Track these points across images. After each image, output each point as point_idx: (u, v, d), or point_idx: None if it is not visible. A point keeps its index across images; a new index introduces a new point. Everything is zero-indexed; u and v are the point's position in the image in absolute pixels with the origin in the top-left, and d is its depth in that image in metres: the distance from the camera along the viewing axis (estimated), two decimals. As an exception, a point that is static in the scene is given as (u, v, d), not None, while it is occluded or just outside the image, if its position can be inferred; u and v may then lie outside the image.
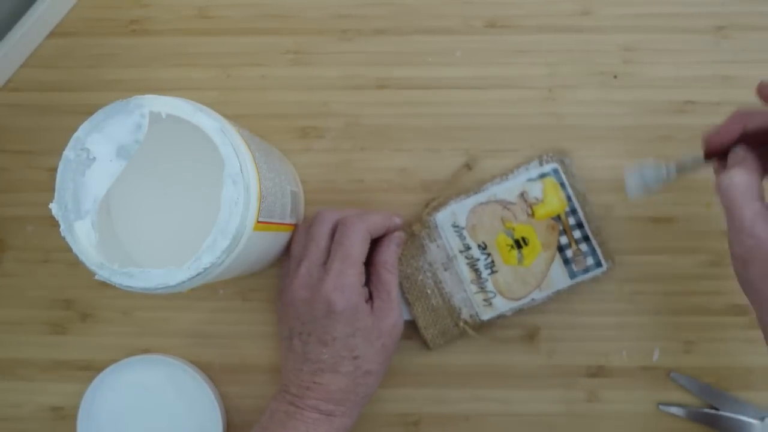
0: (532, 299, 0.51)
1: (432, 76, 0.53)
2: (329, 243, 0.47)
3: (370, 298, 0.48)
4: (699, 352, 0.52)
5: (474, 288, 0.51)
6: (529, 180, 0.51)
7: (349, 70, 0.54)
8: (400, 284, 0.51)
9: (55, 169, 0.37)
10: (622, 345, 0.52)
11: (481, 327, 0.51)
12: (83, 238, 0.36)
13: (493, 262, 0.51)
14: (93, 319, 0.53)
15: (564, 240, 0.51)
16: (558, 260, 0.51)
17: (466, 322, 0.51)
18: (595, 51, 0.53)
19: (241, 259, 0.39)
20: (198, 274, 0.36)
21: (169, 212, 0.44)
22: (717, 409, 0.51)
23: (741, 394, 0.51)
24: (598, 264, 0.51)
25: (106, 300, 0.53)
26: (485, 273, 0.51)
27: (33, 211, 0.53)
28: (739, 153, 0.40)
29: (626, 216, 0.52)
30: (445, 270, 0.51)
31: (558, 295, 0.51)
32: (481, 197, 0.51)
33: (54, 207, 0.37)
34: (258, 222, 0.38)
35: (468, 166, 0.52)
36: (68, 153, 0.37)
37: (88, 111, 0.37)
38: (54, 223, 0.37)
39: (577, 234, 0.51)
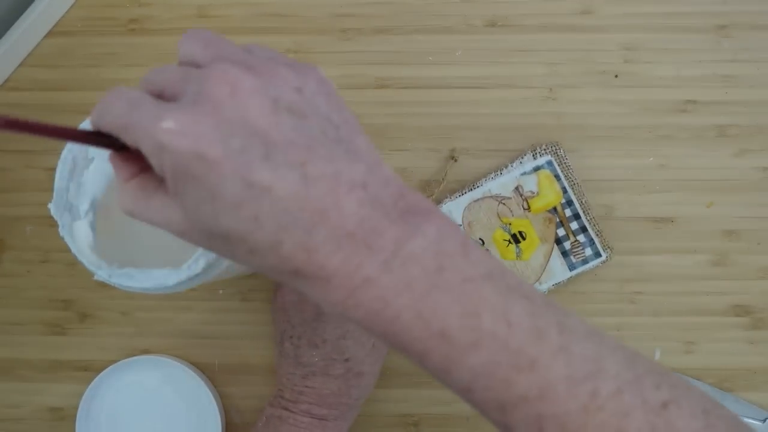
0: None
1: (432, 76, 0.53)
2: None
3: None
4: (700, 352, 0.51)
5: (474, 287, 0.51)
6: (524, 174, 0.51)
7: (349, 70, 0.53)
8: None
9: (53, 169, 0.36)
10: (622, 345, 0.52)
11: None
12: (82, 238, 0.36)
13: (491, 258, 0.51)
14: (92, 320, 0.53)
15: (561, 232, 0.51)
16: (556, 253, 0.51)
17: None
18: (595, 50, 0.53)
19: (240, 260, 0.39)
20: (197, 275, 0.36)
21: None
22: (718, 410, 0.51)
23: (742, 394, 0.51)
24: (597, 254, 0.51)
25: (106, 300, 0.53)
26: (485, 271, 0.51)
27: (32, 211, 0.53)
28: None
29: (626, 216, 0.52)
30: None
31: (558, 288, 0.51)
32: (476, 194, 0.51)
33: (52, 207, 0.37)
34: (257, 222, 0.38)
35: (453, 158, 0.51)
36: (67, 153, 0.37)
37: (88, 110, 0.36)
38: (53, 223, 0.37)
39: (574, 225, 0.51)
